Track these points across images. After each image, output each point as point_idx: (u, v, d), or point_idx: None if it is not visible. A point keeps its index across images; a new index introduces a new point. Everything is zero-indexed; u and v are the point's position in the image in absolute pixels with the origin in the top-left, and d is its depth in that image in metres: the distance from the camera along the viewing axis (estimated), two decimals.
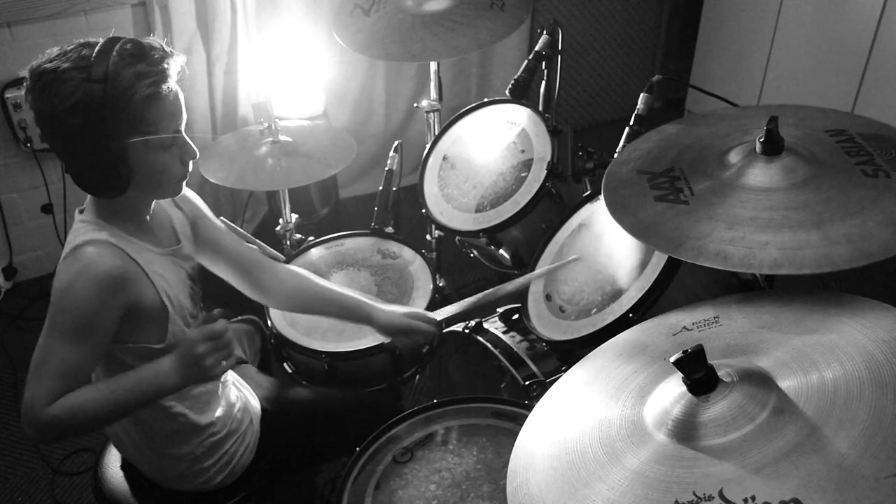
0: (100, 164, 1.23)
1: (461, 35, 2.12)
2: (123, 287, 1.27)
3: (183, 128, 1.31)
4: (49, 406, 1.20)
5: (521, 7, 2.20)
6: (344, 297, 1.65)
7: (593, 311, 1.50)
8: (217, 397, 1.51)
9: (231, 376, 1.61)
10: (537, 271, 1.69)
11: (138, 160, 1.26)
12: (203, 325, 1.27)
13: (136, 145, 1.24)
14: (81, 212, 1.34)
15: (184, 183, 1.38)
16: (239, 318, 1.97)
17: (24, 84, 1.23)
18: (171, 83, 1.24)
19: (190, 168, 1.36)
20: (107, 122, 1.19)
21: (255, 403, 1.63)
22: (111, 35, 1.25)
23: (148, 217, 1.39)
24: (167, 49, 1.25)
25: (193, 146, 1.34)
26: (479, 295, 1.67)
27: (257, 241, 2.11)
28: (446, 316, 1.68)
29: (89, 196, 1.33)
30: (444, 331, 1.95)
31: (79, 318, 1.23)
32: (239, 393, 1.58)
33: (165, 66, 1.23)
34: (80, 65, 1.19)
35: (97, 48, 1.21)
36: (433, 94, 2.41)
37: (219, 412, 1.50)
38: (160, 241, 1.40)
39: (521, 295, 1.71)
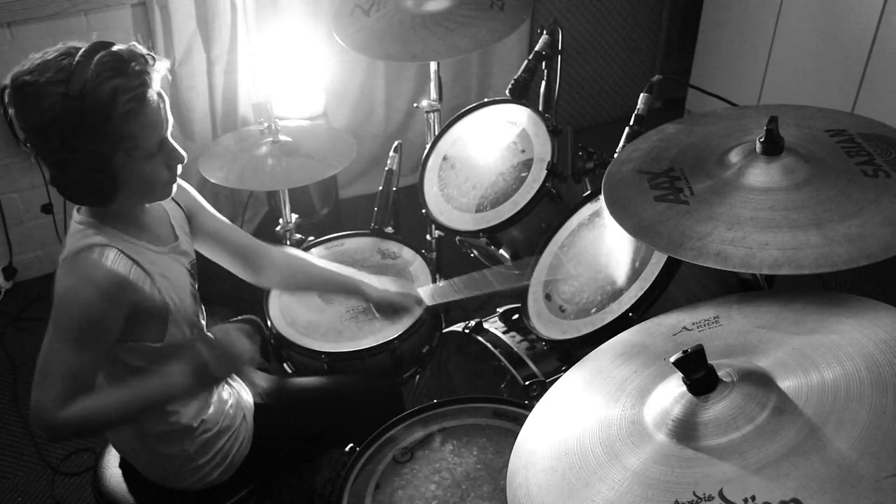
0: (83, 177, 1.23)
1: (461, 35, 2.12)
2: (127, 290, 1.27)
3: (169, 133, 1.29)
4: (63, 410, 1.21)
5: (521, 7, 2.20)
6: (336, 273, 1.71)
7: (593, 310, 1.50)
8: (208, 395, 1.51)
9: None
10: (535, 278, 1.69)
11: (123, 171, 1.25)
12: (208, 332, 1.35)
13: (119, 157, 1.23)
14: (79, 211, 1.35)
15: (173, 186, 1.37)
16: (238, 317, 1.97)
17: (6, 93, 1.21)
18: (153, 94, 1.22)
19: (178, 171, 1.35)
20: (86, 138, 1.18)
21: (248, 398, 1.63)
22: (99, 39, 1.23)
23: (144, 215, 1.39)
24: (149, 57, 1.23)
25: (180, 150, 1.32)
26: (466, 277, 1.75)
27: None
28: (435, 301, 1.76)
29: None
30: (444, 331, 1.95)
31: (84, 323, 1.24)
32: (231, 389, 1.59)
33: (146, 77, 1.21)
34: (59, 78, 1.16)
35: (77, 58, 1.18)
36: (433, 94, 2.41)
37: (210, 410, 1.50)
38: (158, 239, 1.40)
39: (519, 294, 1.71)
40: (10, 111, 1.22)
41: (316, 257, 1.78)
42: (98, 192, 1.26)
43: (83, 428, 1.27)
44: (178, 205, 1.52)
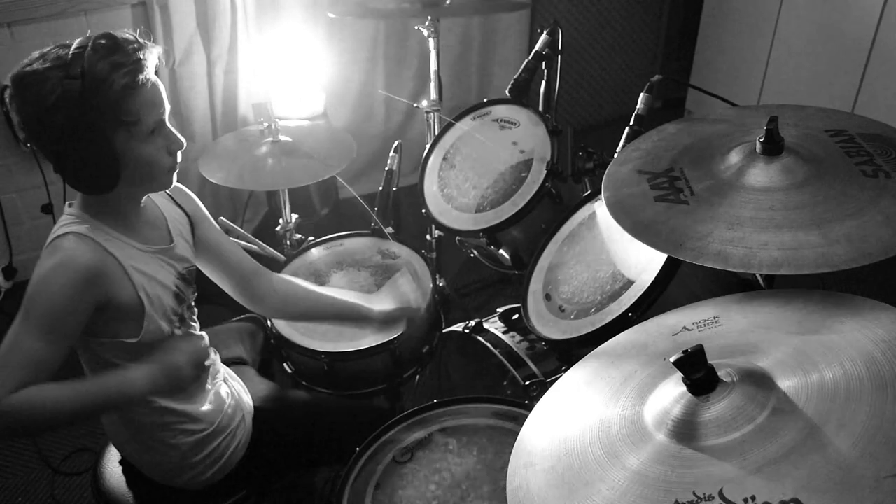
0: (87, 160, 1.24)
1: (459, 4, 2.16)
2: (97, 281, 1.27)
3: (166, 118, 1.32)
4: (9, 396, 1.17)
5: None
6: (337, 301, 1.67)
7: (593, 310, 1.50)
8: (204, 392, 1.51)
9: (224, 372, 1.61)
10: (534, 278, 1.70)
11: (125, 152, 1.27)
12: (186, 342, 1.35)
13: (121, 137, 1.25)
14: (70, 205, 1.36)
15: (174, 174, 1.38)
16: (241, 316, 1.97)
17: (7, 92, 1.24)
18: (149, 73, 1.26)
19: (179, 158, 1.37)
20: (88, 116, 1.20)
21: (248, 400, 1.63)
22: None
23: (137, 216, 1.40)
24: (142, 41, 1.27)
25: (179, 136, 1.35)
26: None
27: (257, 241, 2.11)
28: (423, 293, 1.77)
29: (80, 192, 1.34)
30: (444, 331, 1.95)
31: (49, 310, 1.23)
32: (230, 389, 1.58)
33: (141, 56, 1.24)
34: (58, 63, 1.20)
35: (73, 46, 1.22)
36: (433, 94, 2.41)
37: (206, 407, 1.50)
38: (148, 239, 1.40)
39: (521, 295, 1.71)
40: (12, 106, 1.24)
41: (316, 286, 1.73)
42: (102, 175, 1.27)
43: (28, 419, 1.20)
44: (183, 211, 1.51)
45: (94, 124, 1.22)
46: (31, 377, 1.20)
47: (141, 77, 1.24)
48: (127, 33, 1.27)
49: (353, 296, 1.70)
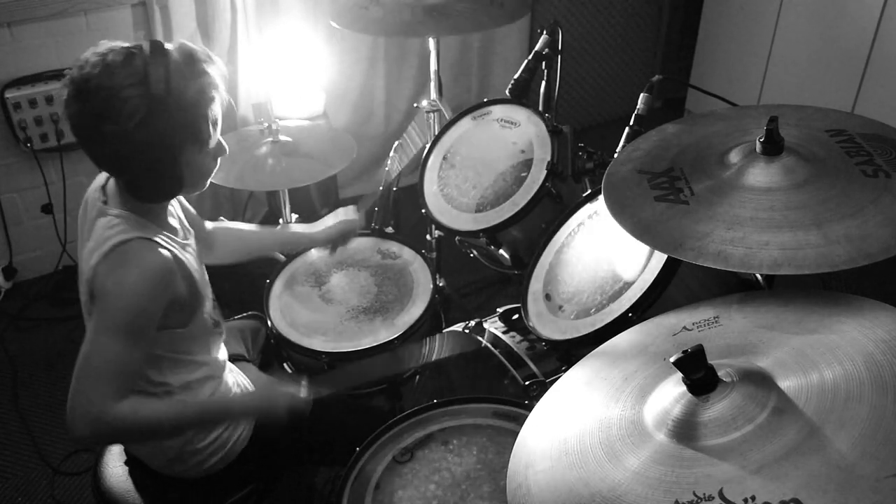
0: (159, 174, 1.27)
1: (461, 19, 2.16)
2: (169, 280, 1.30)
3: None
4: (115, 405, 1.20)
5: (520, 3, 2.20)
6: (276, 231, 1.81)
7: (593, 310, 1.50)
8: (210, 383, 1.51)
9: (229, 365, 1.62)
10: (535, 278, 1.70)
11: (189, 164, 1.30)
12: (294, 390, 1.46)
13: (189, 150, 1.28)
14: (105, 203, 1.36)
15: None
16: (243, 314, 1.97)
17: (67, 93, 1.23)
18: (223, 91, 1.29)
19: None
20: (168, 134, 1.23)
21: (252, 389, 1.64)
22: (146, 38, 1.29)
23: (164, 209, 1.42)
24: (212, 56, 1.29)
25: (224, 143, 1.38)
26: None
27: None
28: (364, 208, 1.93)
29: (111, 188, 1.35)
30: (444, 331, 1.95)
31: (133, 314, 1.25)
32: (237, 379, 1.60)
33: (217, 73, 1.28)
34: (136, 80, 1.19)
35: (147, 57, 1.21)
36: (433, 94, 2.41)
37: (213, 396, 1.51)
38: (177, 232, 1.44)
39: (521, 295, 1.71)
40: (67, 112, 1.24)
41: (244, 224, 1.84)
42: (170, 186, 1.31)
43: (132, 429, 1.25)
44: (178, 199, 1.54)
45: (172, 142, 1.24)
46: (127, 383, 1.24)
47: (218, 96, 1.27)
48: (198, 49, 1.28)
49: (288, 226, 1.82)
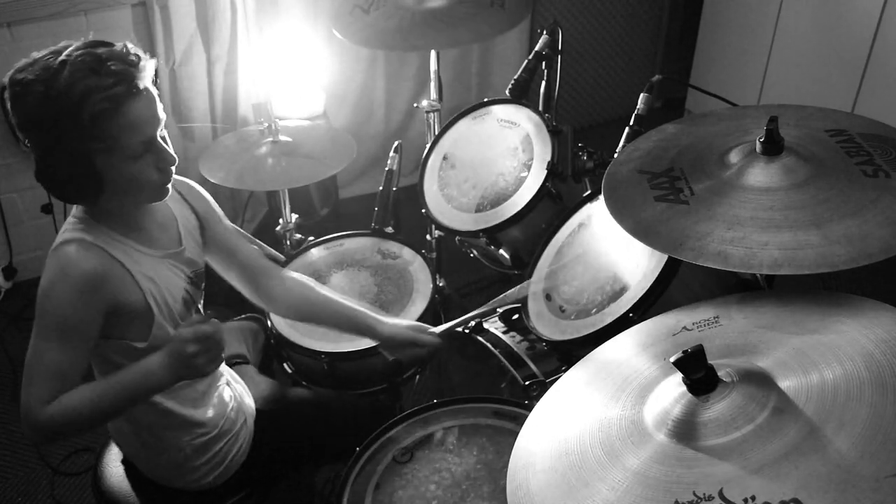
0: (64, 175, 1.22)
1: (462, 28, 2.14)
2: (102, 287, 1.26)
3: (159, 133, 1.27)
4: (46, 406, 1.20)
5: (522, 5, 2.20)
6: (348, 308, 1.64)
7: (593, 311, 1.50)
8: (209, 396, 1.50)
9: (227, 374, 1.61)
10: (535, 278, 1.69)
11: (106, 170, 1.23)
12: (194, 324, 1.25)
13: (101, 156, 1.22)
14: (76, 207, 1.34)
15: (168, 186, 1.34)
16: (243, 316, 1.97)
17: (4, 91, 1.22)
18: (132, 94, 1.19)
19: (171, 174, 1.33)
20: (66, 135, 1.18)
21: (250, 402, 1.62)
22: (96, 38, 1.22)
23: (145, 218, 1.38)
24: (131, 57, 1.20)
25: (171, 152, 1.29)
26: (478, 310, 1.69)
27: (257, 241, 2.11)
28: (446, 329, 1.68)
29: None
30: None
31: (61, 319, 1.23)
32: (233, 392, 1.58)
33: (125, 77, 1.18)
34: (42, 77, 1.16)
35: (60, 58, 1.17)
36: (433, 94, 2.41)
37: (210, 412, 1.49)
38: (155, 242, 1.38)
39: (520, 299, 1.71)
40: (7, 108, 1.23)
41: (328, 289, 1.70)
42: (81, 190, 1.25)
43: (68, 425, 1.22)
44: (194, 212, 1.49)
45: (70, 144, 1.19)
46: (60, 386, 1.22)
47: (120, 100, 1.18)
48: (118, 47, 1.21)
49: (367, 308, 1.67)
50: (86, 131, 1.18)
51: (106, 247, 1.29)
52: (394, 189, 2.16)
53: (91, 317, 1.26)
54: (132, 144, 1.23)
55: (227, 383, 1.58)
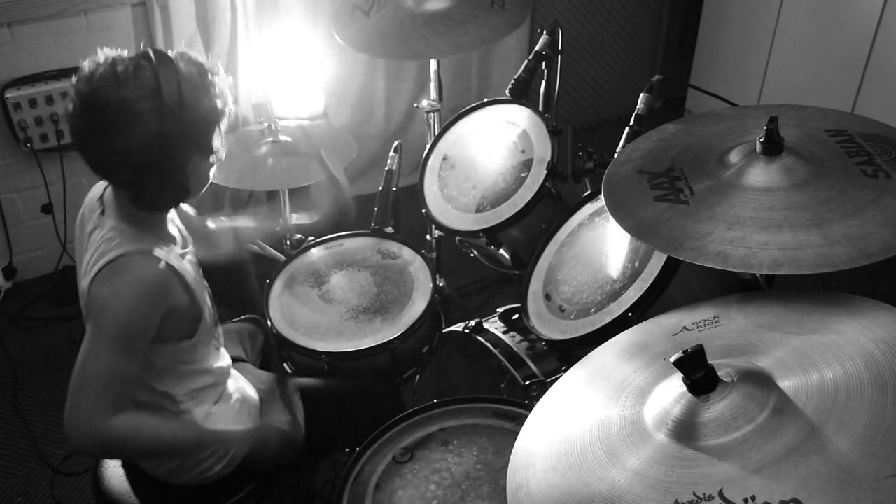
0: (165, 185, 1.28)
1: (463, 33, 2.13)
2: (165, 293, 1.29)
3: None
4: (108, 419, 1.21)
5: (522, 5, 2.20)
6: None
7: (593, 310, 1.50)
8: (214, 390, 1.51)
9: (231, 368, 1.62)
10: (534, 278, 1.69)
11: (192, 174, 1.30)
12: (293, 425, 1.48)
13: (195, 161, 1.29)
14: (103, 214, 1.35)
15: None
16: (241, 318, 1.97)
17: (74, 106, 1.22)
18: (231, 102, 1.31)
19: None
20: (180, 147, 1.23)
21: (253, 394, 1.64)
22: (146, 43, 1.27)
23: (164, 219, 1.42)
24: (218, 65, 1.30)
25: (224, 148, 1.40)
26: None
27: (258, 241, 2.11)
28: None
29: (109, 198, 1.35)
30: (444, 331, 1.95)
31: (128, 329, 1.25)
32: (237, 385, 1.60)
33: (225, 86, 1.29)
34: (145, 93, 1.19)
35: (157, 68, 1.20)
36: (433, 94, 2.41)
37: (216, 408, 1.50)
38: (177, 241, 1.43)
39: (521, 295, 1.71)
40: (69, 117, 1.23)
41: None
42: (177, 196, 1.32)
43: (124, 444, 1.25)
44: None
45: (181, 152, 1.24)
46: (122, 396, 1.24)
47: (229, 108, 1.29)
48: (206, 62, 1.28)
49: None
50: (203, 141, 1.27)
51: (159, 254, 1.31)
52: (394, 189, 2.16)
53: (154, 324, 1.29)
54: (220, 147, 1.34)
55: (233, 376, 1.60)
